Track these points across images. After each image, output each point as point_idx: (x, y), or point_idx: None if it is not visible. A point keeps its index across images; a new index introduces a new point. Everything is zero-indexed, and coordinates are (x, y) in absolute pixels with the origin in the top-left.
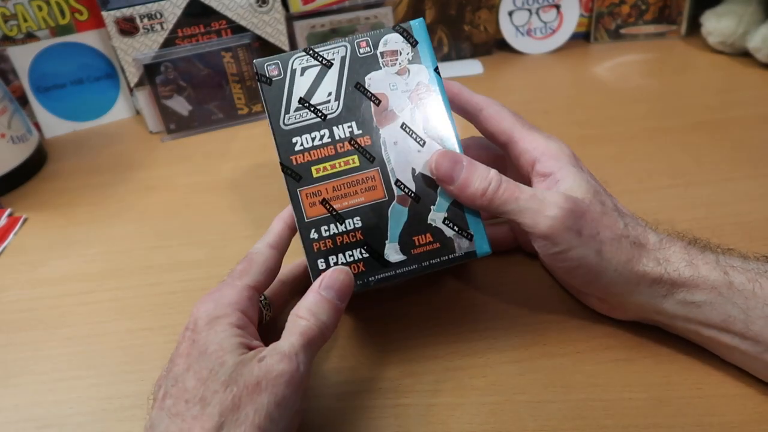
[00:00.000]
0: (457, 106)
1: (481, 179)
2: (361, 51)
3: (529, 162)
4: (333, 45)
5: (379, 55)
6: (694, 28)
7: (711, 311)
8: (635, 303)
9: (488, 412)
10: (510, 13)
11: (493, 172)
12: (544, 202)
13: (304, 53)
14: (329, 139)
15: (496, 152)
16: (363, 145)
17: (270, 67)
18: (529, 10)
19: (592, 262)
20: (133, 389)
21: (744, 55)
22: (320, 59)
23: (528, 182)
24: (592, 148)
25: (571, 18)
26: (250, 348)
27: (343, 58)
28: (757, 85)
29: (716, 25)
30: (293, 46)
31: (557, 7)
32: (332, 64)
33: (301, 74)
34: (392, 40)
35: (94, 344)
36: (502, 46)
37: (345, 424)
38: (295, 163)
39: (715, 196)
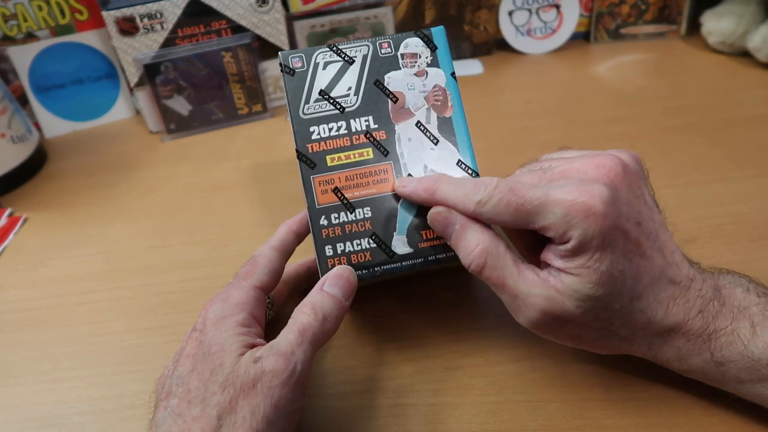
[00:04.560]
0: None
1: (467, 251)
2: (383, 51)
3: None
4: (356, 44)
5: (399, 56)
6: (694, 28)
7: (703, 376)
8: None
9: (488, 411)
10: (510, 13)
11: (481, 246)
12: (525, 302)
13: (328, 49)
14: (346, 131)
15: None
16: (378, 138)
17: (294, 59)
18: (529, 10)
19: (571, 343)
20: (133, 389)
21: (744, 55)
22: (343, 56)
23: None
24: (592, 148)
25: (571, 18)
26: (253, 347)
27: (364, 57)
28: (757, 85)
29: (716, 25)
30: (293, 45)
31: (557, 7)
32: (354, 61)
33: (324, 68)
34: (413, 44)
35: (94, 344)
36: (502, 46)
37: (345, 424)
38: (310, 151)
39: (715, 196)
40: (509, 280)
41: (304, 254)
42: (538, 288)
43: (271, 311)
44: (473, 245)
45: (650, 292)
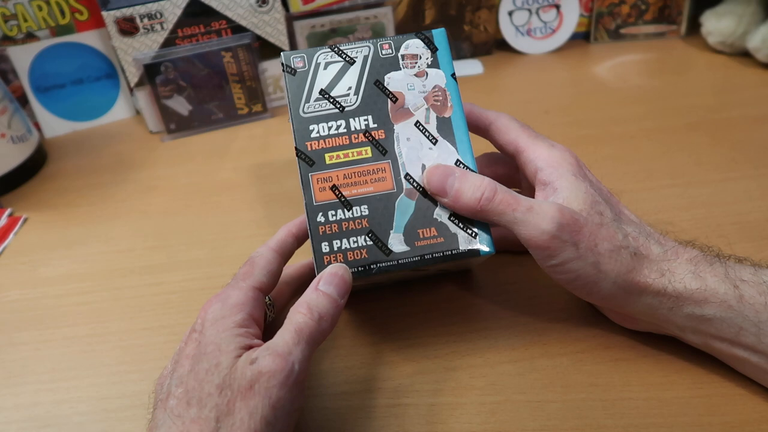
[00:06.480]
0: (469, 123)
1: (473, 188)
2: (384, 52)
3: (532, 171)
4: (357, 44)
5: (400, 57)
6: (694, 28)
7: (721, 325)
8: (643, 314)
9: (488, 411)
10: (510, 13)
11: (487, 180)
12: (539, 215)
13: (329, 49)
14: (345, 130)
15: (511, 166)
16: (377, 138)
17: (296, 59)
18: (529, 10)
19: (590, 274)
20: (133, 389)
21: (744, 55)
22: (344, 56)
23: (534, 192)
24: (591, 148)
25: (571, 18)
26: (250, 347)
27: (365, 57)
28: (757, 85)
29: (716, 25)
30: (293, 45)
31: (557, 7)
32: (355, 61)
33: (325, 68)
34: (413, 45)
35: (94, 344)
36: (502, 46)
37: (345, 424)
38: (309, 149)
39: (715, 196)
40: (522, 198)
41: (306, 255)
42: (548, 201)
43: (271, 312)
44: (479, 180)
45: (624, 217)
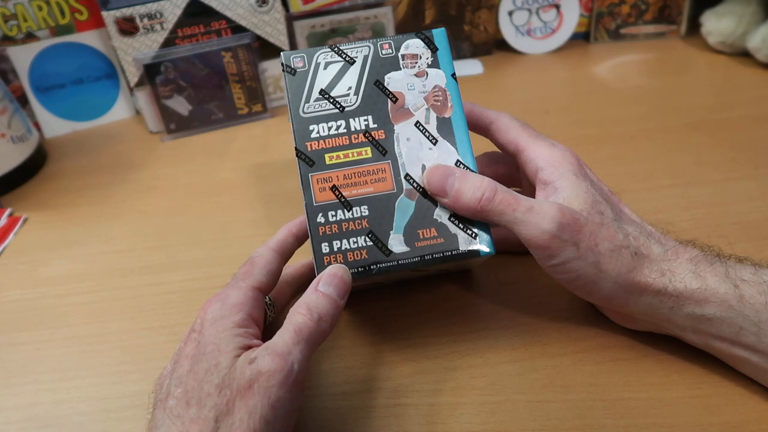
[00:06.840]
0: (469, 122)
1: (474, 188)
2: (384, 52)
3: (533, 171)
4: (357, 44)
5: (400, 57)
6: (694, 28)
7: (722, 324)
8: (643, 313)
9: (488, 411)
10: (510, 13)
11: (487, 180)
12: (540, 214)
13: (329, 49)
14: (345, 130)
15: (511, 165)
16: (377, 138)
17: (296, 59)
18: (529, 10)
19: (590, 274)
20: (133, 389)
21: (744, 55)
22: (344, 56)
23: (534, 191)
24: (591, 148)
25: (571, 18)
26: (249, 347)
27: (365, 57)
28: (757, 85)
29: (716, 25)
30: (293, 45)
31: (557, 7)
32: (355, 61)
33: (324, 68)
34: (414, 45)
35: (94, 344)
36: (502, 46)
37: (345, 424)
38: (309, 149)
39: (715, 196)
40: (522, 198)
41: (306, 255)
42: (548, 200)
43: (272, 312)
44: (479, 180)
45: (624, 217)
